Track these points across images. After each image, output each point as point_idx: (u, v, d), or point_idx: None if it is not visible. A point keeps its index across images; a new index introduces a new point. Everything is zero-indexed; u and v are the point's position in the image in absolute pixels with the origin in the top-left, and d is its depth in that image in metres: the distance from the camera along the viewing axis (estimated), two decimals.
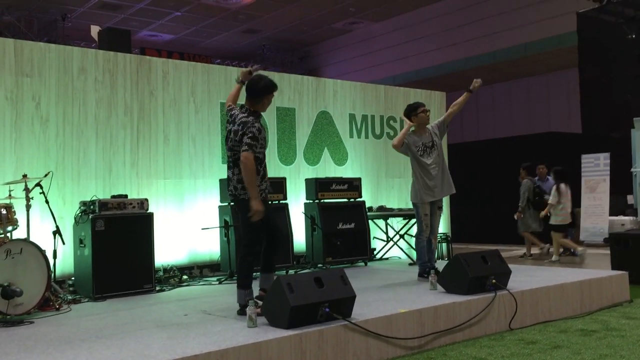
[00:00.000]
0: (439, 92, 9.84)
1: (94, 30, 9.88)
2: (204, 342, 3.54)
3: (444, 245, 8.93)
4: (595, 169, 10.78)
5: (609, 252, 7.21)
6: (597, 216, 10.55)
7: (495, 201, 12.47)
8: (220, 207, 7.05)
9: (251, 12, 16.11)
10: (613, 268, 6.72)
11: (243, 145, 4.31)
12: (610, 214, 10.43)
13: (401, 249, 8.21)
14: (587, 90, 11.99)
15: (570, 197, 9.02)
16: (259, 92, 4.55)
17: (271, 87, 4.60)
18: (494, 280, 4.89)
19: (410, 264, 7.57)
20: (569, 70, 15.27)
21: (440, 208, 6.14)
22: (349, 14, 16.73)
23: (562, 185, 8.92)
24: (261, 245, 4.50)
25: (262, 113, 4.64)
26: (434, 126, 6.19)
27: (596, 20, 12.04)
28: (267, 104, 4.63)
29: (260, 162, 4.43)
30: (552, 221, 9.04)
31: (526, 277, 5.71)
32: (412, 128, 6.10)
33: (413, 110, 6.12)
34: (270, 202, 4.68)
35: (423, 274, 5.89)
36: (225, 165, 7.46)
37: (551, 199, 8.95)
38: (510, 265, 5.30)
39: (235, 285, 4.50)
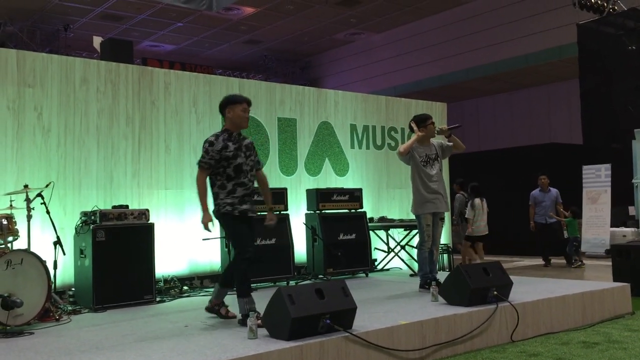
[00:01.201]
0: (440, 103, 9.85)
1: (96, 40, 9.93)
2: (205, 354, 3.52)
3: (445, 256, 8.92)
4: (597, 180, 10.78)
5: (610, 263, 7.19)
6: (598, 227, 10.53)
7: (496, 213, 12.44)
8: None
9: (252, 23, 16.18)
10: (615, 280, 6.69)
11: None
12: (612, 225, 10.42)
13: (402, 260, 8.19)
14: (587, 102, 12.02)
15: (486, 211, 9.43)
16: (220, 109, 4.80)
17: (232, 99, 4.76)
18: (495, 292, 4.87)
19: (411, 275, 7.55)
20: (570, 81, 15.32)
21: (442, 219, 6.14)
22: (350, 25, 16.80)
23: (477, 200, 9.35)
24: (252, 252, 4.56)
25: (233, 130, 4.73)
26: (440, 143, 6.20)
27: (596, 32, 12.09)
28: (237, 118, 4.69)
29: (228, 177, 4.61)
30: (468, 232, 9.46)
31: (528, 289, 5.69)
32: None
33: (422, 122, 6.11)
34: (251, 217, 4.71)
35: (424, 286, 5.87)
36: None
37: (467, 213, 9.43)
38: (512, 277, 5.28)
39: (236, 296, 4.52)
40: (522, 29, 14.62)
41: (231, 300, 4.77)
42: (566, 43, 13.45)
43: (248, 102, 4.76)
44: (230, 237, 4.66)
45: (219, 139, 4.63)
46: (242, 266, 4.54)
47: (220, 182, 4.63)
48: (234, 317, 4.66)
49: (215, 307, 4.81)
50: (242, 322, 4.39)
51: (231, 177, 4.61)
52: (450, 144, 6.20)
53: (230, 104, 4.70)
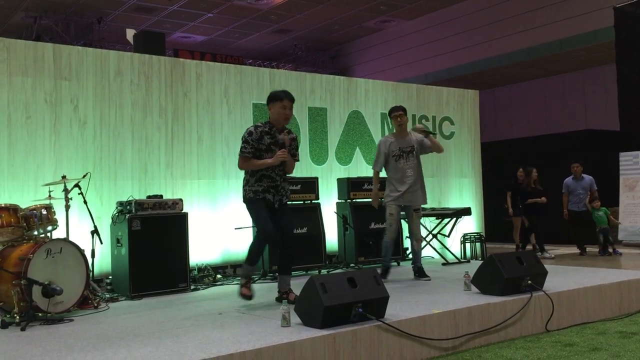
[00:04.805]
0: (472, 91, 9.73)
1: (130, 33, 10.07)
2: (239, 342, 3.58)
3: (478, 245, 8.84)
4: (634, 167, 10.54)
5: None
6: (635, 215, 10.31)
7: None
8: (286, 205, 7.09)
9: (282, 12, 16.17)
10: None
11: None
12: None
13: (434, 248, 8.15)
14: (625, 87, 11.71)
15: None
16: (267, 103, 4.96)
17: (272, 96, 4.90)
18: (529, 281, 4.82)
19: (443, 264, 7.52)
20: (606, 66, 14.94)
21: (417, 211, 6.14)
22: (380, 12, 16.66)
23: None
24: (274, 230, 4.75)
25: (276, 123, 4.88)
26: (421, 139, 6.20)
27: (634, 15, 11.74)
28: (276, 114, 4.83)
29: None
30: None
31: (563, 278, 5.62)
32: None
33: (389, 114, 6.25)
34: (276, 206, 4.89)
35: (383, 274, 6.02)
36: None
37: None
38: (547, 266, 5.22)
39: (268, 284, 4.64)
40: (556, 13, 14.29)
41: (265, 289, 4.84)
42: (602, 27, 13.10)
43: (290, 98, 4.84)
44: (253, 219, 4.91)
45: (257, 130, 4.79)
46: (258, 242, 4.85)
47: (251, 170, 4.82)
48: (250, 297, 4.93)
49: (284, 295, 4.92)
50: (242, 286, 4.84)
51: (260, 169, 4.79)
52: (428, 143, 6.21)
53: (271, 101, 4.85)
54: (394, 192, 6.10)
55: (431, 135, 6.27)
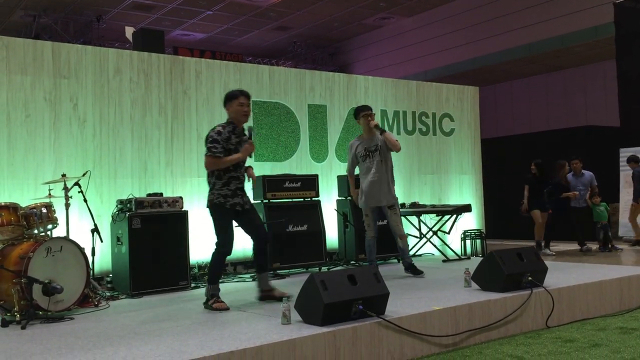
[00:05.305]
0: (471, 87, 9.72)
1: (129, 31, 10.05)
2: (239, 339, 3.58)
3: (479, 241, 8.84)
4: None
5: None
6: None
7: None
8: (253, 204, 7.09)
9: (282, 10, 16.15)
10: None
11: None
12: None
13: (434, 245, 8.14)
14: (625, 83, 11.70)
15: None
16: (224, 105, 4.96)
17: (228, 96, 4.91)
18: (530, 278, 4.82)
19: (444, 261, 7.52)
20: (606, 62, 14.92)
21: (392, 208, 6.14)
22: (379, 9, 16.63)
23: None
24: (230, 249, 4.82)
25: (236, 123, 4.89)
26: (384, 136, 6.19)
27: (634, 11, 11.72)
28: (235, 112, 4.85)
29: (226, 169, 4.77)
30: None
31: (563, 274, 5.62)
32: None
33: (357, 114, 6.27)
34: (241, 210, 4.90)
35: None
36: (258, 164, 7.56)
37: None
38: (547, 262, 5.22)
39: (271, 282, 4.64)
40: (557, 9, 14.27)
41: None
42: (602, 23, 13.09)
43: (245, 95, 4.88)
44: (217, 227, 4.83)
45: (225, 129, 4.79)
46: (217, 257, 4.82)
47: (218, 172, 4.78)
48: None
49: (269, 294, 4.93)
50: (206, 305, 4.72)
51: (228, 170, 4.78)
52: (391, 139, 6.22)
53: (228, 101, 4.89)
54: (361, 192, 6.19)
55: (385, 132, 6.21)
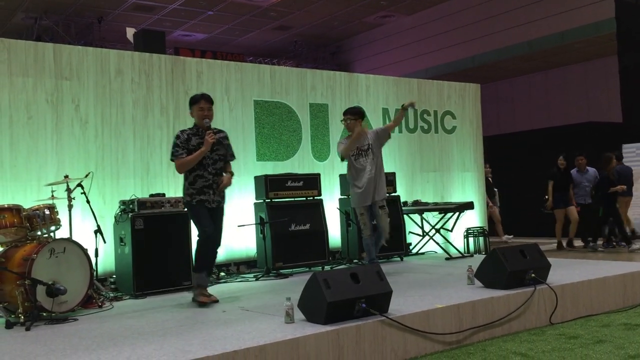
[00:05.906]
0: (473, 84, 9.71)
1: (130, 32, 10.07)
2: (243, 339, 3.58)
3: (481, 239, 8.84)
4: (637, 158, 10.52)
5: None
6: (638, 207, 10.28)
7: (533, 194, 12.26)
8: (255, 204, 7.11)
9: (282, 9, 16.15)
10: None
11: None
12: None
13: (437, 243, 8.15)
14: (627, 79, 11.68)
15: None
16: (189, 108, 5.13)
17: (190, 100, 5.10)
18: (533, 275, 4.82)
19: (447, 259, 7.52)
20: (608, 58, 14.88)
21: (382, 207, 6.12)
22: (379, 8, 16.62)
23: None
24: (209, 232, 4.90)
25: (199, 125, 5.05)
26: (374, 131, 6.21)
27: (635, 7, 11.70)
28: (196, 116, 5.04)
29: (191, 169, 4.95)
30: None
31: (567, 271, 5.61)
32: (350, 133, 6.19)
33: (357, 114, 6.21)
34: (214, 205, 5.03)
35: None
36: (260, 163, 7.57)
37: None
38: (550, 259, 5.21)
39: (272, 281, 4.63)
40: (557, 5, 14.24)
41: (268, 287, 4.82)
42: (603, 19, 13.06)
43: (206, 99, 5.03)
44: (194, 222, 5.04)
45: (184, 133, 5.01)
46: (200, 243, 4.93)
47: (185, 173, 4.99)
48: (216, 300, 4.94)
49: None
50: (192, 299, 4.92)
51: (194, 169, 4.94)
52: (383, 127, 6.26)
53: (191, 106, 5.08)
54: (356, 190, 6.09)
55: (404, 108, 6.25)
